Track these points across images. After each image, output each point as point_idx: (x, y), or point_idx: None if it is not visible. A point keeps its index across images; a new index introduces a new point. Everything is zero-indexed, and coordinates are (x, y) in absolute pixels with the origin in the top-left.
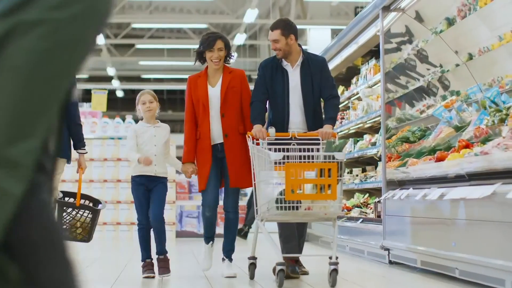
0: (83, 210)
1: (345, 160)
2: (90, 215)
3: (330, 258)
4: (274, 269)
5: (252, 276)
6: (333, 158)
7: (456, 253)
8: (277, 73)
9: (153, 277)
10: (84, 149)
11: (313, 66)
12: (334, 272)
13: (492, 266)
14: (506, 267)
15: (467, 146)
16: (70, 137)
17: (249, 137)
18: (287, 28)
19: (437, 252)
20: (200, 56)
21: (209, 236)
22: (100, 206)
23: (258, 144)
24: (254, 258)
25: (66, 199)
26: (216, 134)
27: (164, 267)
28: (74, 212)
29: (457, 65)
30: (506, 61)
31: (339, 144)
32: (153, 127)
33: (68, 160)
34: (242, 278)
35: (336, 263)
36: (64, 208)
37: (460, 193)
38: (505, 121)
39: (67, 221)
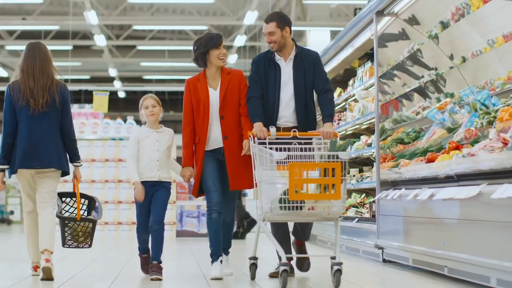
0: (84, 222)
1: (349, 159)
2: (90, 225)
3: (333, 258)
4: (271, 274)
5: (253, 277)
6: (337, 157)
7: (445, 252)
8: (270, 68)
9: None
10: (79, 162)
11: (306, 60)
12: (338, 273)
13: (478, 264)
14: (491, 264)
15: (457, 147)
16: (66, 152)
17: (250, 136)
18: (282, 20)
19: (427, 251)
20: (203, 57)
21: (216, 252)
22: (97, 208)
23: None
24: (255, 258)
25: (63, 199)
26: (218, 137)
27: (157, 270)
28: (75, 225)
29: (451, 67)
30: (498, 64)
31: (343, 143)
32: (155, 132)
33: (65, 172)
34: (241, 279)
35: (340, 263)
36: (66, 222)
37: (448, 193)
38: (493, 124)
39: (69, 233)
